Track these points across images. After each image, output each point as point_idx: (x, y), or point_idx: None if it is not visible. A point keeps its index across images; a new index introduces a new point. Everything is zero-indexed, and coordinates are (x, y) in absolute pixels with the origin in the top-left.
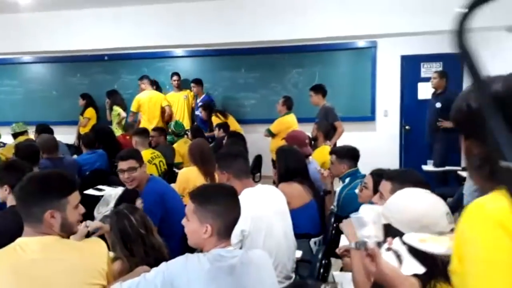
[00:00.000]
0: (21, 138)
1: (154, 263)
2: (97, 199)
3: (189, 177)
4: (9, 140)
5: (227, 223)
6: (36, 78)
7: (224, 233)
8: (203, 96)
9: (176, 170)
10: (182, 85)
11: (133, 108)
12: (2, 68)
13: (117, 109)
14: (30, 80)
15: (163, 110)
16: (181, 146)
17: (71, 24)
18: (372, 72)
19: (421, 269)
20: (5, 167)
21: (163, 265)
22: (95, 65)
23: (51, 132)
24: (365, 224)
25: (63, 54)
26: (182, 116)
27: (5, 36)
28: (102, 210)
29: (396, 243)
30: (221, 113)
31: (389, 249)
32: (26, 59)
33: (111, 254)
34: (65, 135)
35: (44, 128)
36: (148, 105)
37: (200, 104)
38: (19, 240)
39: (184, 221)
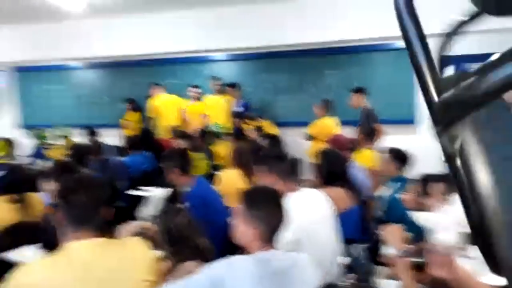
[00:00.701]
0: (69, 141)
1: (199, 264)
2: (143, 199)
3: (230, 179)
4: (58, 142)
5: (271, 228)
6: (85, 83)
7: (268, 237)
8: (240, 101)
9: (216, 173)
10: (223, 89)
11: (150, 113)
12: (53, 74)
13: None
14: (78, 85)
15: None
16: (222, 149)
17: (116, 30)
18: (412, 73)
19: (503, 281)
20: (59, 168)
21: (208, 267)
22: (139, 70)
23: (98, 135)
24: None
25: (109, 59)
26: (222, 119)
27: (56, 43)
28: (148, 211)
29: (474, 250)
30: (250, 119)
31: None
32: (75, 65)
33: (158, 253)
34: (113, 138)
35: (92, 131)
36: (164, 109)
37: (234, 109)
38: (71, 244)
39: (231, 220)
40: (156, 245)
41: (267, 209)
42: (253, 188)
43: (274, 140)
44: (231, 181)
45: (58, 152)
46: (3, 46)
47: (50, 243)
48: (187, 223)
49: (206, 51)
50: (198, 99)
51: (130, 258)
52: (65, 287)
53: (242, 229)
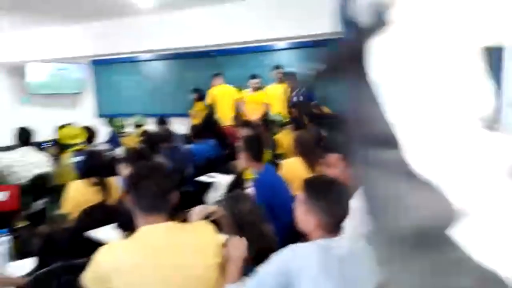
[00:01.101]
0: (141, 129)
1: (263, 251)
2: (209, 185)
3: (293, 167)
4: (132, 130)
5: (334, 219)
6: (155, 74)
7: (331, 228)
8: (299, 90)
9: (279, 161)
10: (284, 78)
11: (207, 101)
12: (126, 66)
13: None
14: (150, 76)
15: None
16: (283, 137)
17: (183, 23)
18: None
19: None
20: (133, 154)
21: (274, 256)
22: (204, 60)
23: (168, 123)
24: None
25: (177, 51)
26: (282, 108)
27: (128, 36)
28: (213, 196)
29: None
30: (312, 108)
31: None
32: (147, 57)
33: (223, 237)
34: (181, 126)
35: (162, 120)
36: (220, 98)
37: (294, 99)
38: (144, 228)
39: (294, 206)
40: (221, 229)
41: (328, 200)
42: (315, 177)
43: (335, 128)
44: (293, 170)
45: (131, 139)
46: (81, 42)
47: (126, 225)
48: (251, 209)
49: (267, 40)
50: (259, 89)
51: (200, 242)
52: (137, 270)
53: (304, 218)
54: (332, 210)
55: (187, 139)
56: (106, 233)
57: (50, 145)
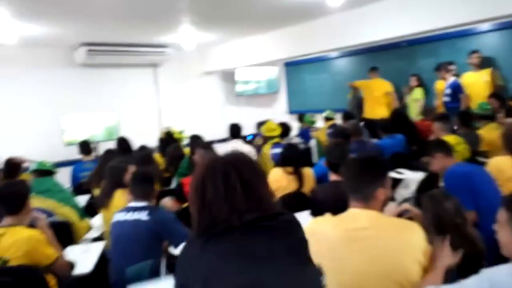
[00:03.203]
0: (329, 123)
1: (466, 256)
2: (397, 181)
3: (501, 167)
4: (321, 124)
5: None
6: (341, 70)
7: None
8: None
9: (481, 159)
10: (484, 63)
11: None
12: (314, 65)
13: (418, 93)
14: (337, 73)
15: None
16: (489, 132)
17: (373, 17)
18: None
19: None
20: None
21: (485, 271)
22: (392, 52)
23: (353, 118)
24: None
25: (364, 46)
26: (483, 98)
27: (317, 37)
28: (402, 193)
29: None
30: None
31: None
32: (333, 55)
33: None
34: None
35: (349, 115)
36: (368, 91)
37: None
38: (351, 211)
39: (495, 226)
40: None
41: None
42: None
43: None
44: (501, 170)
45: (321, 133)
46: (277, 47)
47: (319, 214)
48: (456, 210)
49: (464, 24)
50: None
51: (404, 238)
52: (336, 241)
53: (507, 239)
54: None
55: (373, 133)
56: (302, 219)
57: (253, 138)
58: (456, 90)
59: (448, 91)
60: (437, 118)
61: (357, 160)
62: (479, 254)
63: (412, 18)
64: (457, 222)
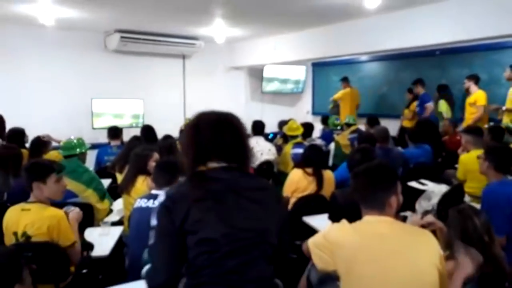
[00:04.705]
0: (351, 128)
1: (489, 275)
2: (419, 192)
3: None
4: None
5: None
6: (370, 74)
7: None
8: None
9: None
10: None
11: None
12: (342, 67)
13: (443, 105)
14: (364, 77)
15: None
16: None
17: (407, 23)
18: None
19: None
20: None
21: None
22: (425, 60)
23: (379, 123)
24: None
25: (395, 52)
26: None
27: (350, 39)
28: (423, 205)
29: None
30: None
31: None
32: (363, 58)
33: (442, 252)
34: (390, 127)
35: (374, 120)
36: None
37: None
38: (369, 218)
39: None
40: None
41: None
42: None
43: None
44: None
45: (342, 137)
46: (307, 45)
47: (337, 217)
48: (486, 228)
49: (496, 37)
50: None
51: (424, 241)
52: (360, 250)
53: None
54: None
55: (395, 140)
56: (319, 221)
57: (274, 137)
58: None
59: None
60: (466, 131)
61: (368, 169)
62: (503, 275)
63: (447, 27)
64: (485, 240)
